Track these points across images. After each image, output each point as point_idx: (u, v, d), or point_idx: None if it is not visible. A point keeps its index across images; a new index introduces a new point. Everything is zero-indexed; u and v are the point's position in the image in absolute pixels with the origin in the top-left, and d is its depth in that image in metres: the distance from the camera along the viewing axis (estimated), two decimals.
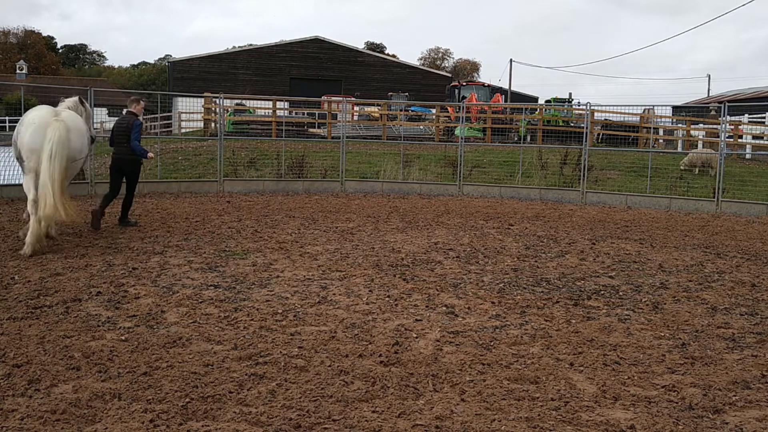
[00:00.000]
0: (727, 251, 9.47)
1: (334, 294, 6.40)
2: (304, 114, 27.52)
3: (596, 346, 5.08)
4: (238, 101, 29.49)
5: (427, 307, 6.06)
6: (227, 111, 23.06)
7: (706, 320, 5.89)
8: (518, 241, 9.72)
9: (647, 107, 23.56)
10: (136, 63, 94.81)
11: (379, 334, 5.22)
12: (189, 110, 27.82)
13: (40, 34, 79.84)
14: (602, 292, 6.83)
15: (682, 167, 18.95)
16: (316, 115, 26.28)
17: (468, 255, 8.57)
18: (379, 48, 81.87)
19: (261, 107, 27.53)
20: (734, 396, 4.19)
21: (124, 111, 10.62)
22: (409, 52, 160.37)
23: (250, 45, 55.30)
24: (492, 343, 5.08)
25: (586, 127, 17.01)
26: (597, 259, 8.55)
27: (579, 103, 29.12)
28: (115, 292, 6.19)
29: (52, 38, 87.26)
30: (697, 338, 5.37)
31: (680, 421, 3.81)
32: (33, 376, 4.17)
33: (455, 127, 22.67)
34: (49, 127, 7.83)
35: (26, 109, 9.10)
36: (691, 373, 4.58)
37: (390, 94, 38.01)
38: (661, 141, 24.53)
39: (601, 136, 23.94)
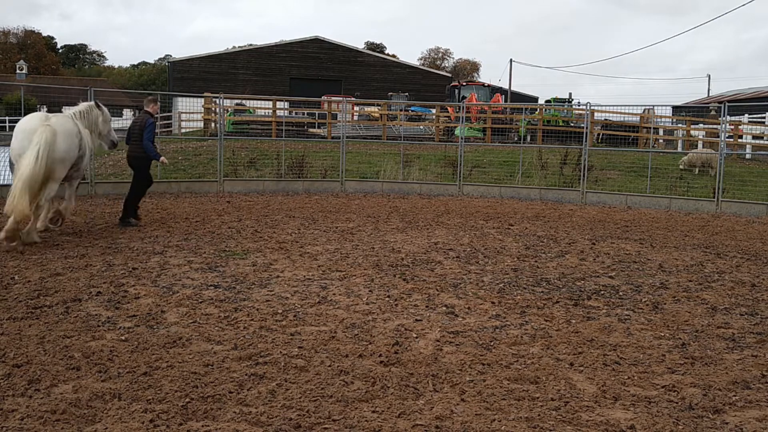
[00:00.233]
0: (727, 251, 9.47)
1: (334, 294, 6.40)
2: (304, 114, 27.51)
3: (596, 346, 5.08)
4: (238, 101, 29.49)
5: (427, 307, 6.06)
6: (227, 111, 23.06)
7: (706, 320, 5.89)
8: (518, 241, 9.72)
9: (647, 107, 23.56)
10: (136, 63, 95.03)
11: (379, 334, 5.22)
12: (189, 110, 27.82)
13: (40, 34, 79.96)
14: (602, 292, 6.83)
15: (681, 167, 18.95)
16: (316, 115, 26.28)
17: (468, 255, 8.57)
18: (379, 48, 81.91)
19: (261, 107, 27.52)
20: (734, 396, 4.19)
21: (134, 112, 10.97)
22: (409, 52, 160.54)
23: (250, 45, 55.31)
24: (492, 343, 5.08)
25: (586, 127, 17.01)
26: (597, 259, 8.55)
27: (579, 103, 29.14)
28: (115, 292, 6.19)
29: (52, 38, 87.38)
30: (697, 338, 5.37)
31: (680, 421, 3.81)
32: (33, 376, 4.17)
33: (455, 127, 22.68)
34: (35, 132, 8.17)
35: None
36: (691, 373, 4.58)
37: (390, 94, 38.01)
38: (661, 141, 24.53)
39: (601, 136, 23.94)
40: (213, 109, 22.27)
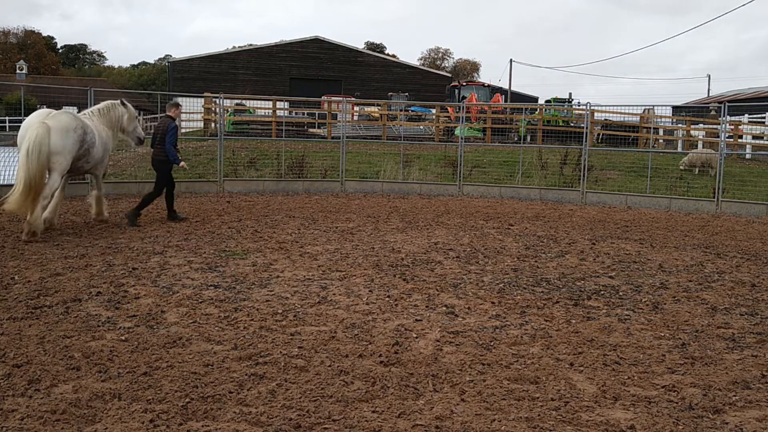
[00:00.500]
0: (727, 251, 9.47)
1: (334, 294, 6.40)
2: (304, 114, 27.51)
3: (596, 346, 5.08)
4: (238, 101, 29.48)
5: (427, 307, 6.06)
6: (227, 111, 23.06)
7: (706, 320, 5.89)
8: (518, 241, 9.72)
9: (647, 107, 23.55)
10: (136, 63, 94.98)
11: (379, 334, 5.22)
12: (189, 110, 27.79)
13: (40, 34, 79.93)
14: (602, 292, 6.83)
15: (681, 167, 18.95)
16: (316, 115, 26.27)
17: (468, 255, 8.57)
18: (379, 48, 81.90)
19: (261, 107, 27.51)
20: (734, 396, 4.19)
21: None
22: (409, 52, 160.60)
23: (250, 45, 55.32)
24: (492, 343, 5.08)
25: (586, 127, 17.01)
26: (597, 259, 8.55)
27: (579, 103, 29.15)
28: (115, 292, 6.19)
29: (52, 38, 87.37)
30: (697, 338, 5.37)
31: (680, 421, 3.81)
32: (33, 376, 4.17)
33: (455, 127, 22.67)
34: (29, 129, 8.77)
35: (26, 109, 9.81)
36: (691, 373, 4.58)
37: (390, 94, 38.03)
38: (661, 141, 24.53)
39: (601, 136, 23.94)
40: (213, 109, 22.27)
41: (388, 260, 8.06)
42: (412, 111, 29.57)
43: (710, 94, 53.89)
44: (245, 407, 3.82)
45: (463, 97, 29.22)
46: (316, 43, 47.63)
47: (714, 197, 14.72)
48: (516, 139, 24.40)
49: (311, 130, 25.19)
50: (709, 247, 9.75)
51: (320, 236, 9.64)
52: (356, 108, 28.28)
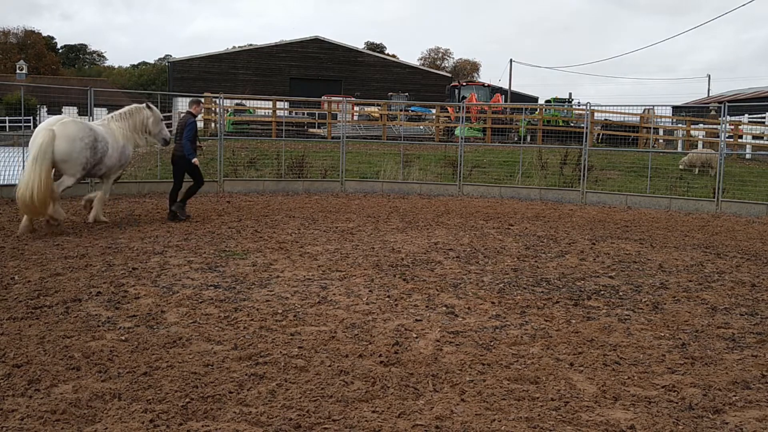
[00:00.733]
0: (727, 251, 9.47)
1: (334, 294, 6.40)
2: (304, 114, 27.51)
3: (596, 346, 5.08)
4: (238, 101, 29.48)
5: (427, 307, 6.05)
6: (227, 111, 23.06)
7: (706, 320, 5.89)
8: (518, 241, 9.72)
9: (647, 107, 23.55)
10: (136, 63, 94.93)
11: (379, 334, 5.22)
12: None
13: (40, 34, 79.92)
14: (602, 292, 6.83)
15: (681, 167, 18.95)
16: (316, 115, 26.27)
17: (468, 255, 8.57)
18: (379, 48, 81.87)
19: (261, 107, 27.51)
20: (734, 396, 4.19)
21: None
22: (409, 52, 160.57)
23: (250, 45, 55.31)
24: (492, 343, 5.08)
25: (586, 127, 17.01)
26: (597, 259, 8.55)
27: (579, 103, 29.15)
28: (115, 292, 6.19)
29: (52, 38, 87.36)
30: (697, 338, 5.37)
31: (680, 421, 3.81)
32: (33, 376, 4.17)
33: (455, 127, 22.68)
34: (38, 135, 9.10)
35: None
36: (691, 373, 4.58)
37: (390, 94, 38.03)
38: (661, 141, 24.53)
39: (601, 136, 23.94)
40: (213, 109, 22.27)
41: (388, 260, 8.06)
42: (412, 111, 29.57)
43: (710, 94, 53.90)
44: (245, 407, 3.82)
45: (463, 97, 29.22)
46: (316, 43, 47.64)
47: (714, 197, 14.72)
48: (516, 139, 24.41)
49: (311, 130, 25.19)
50: (709, 247, 9.75)
51: (320, 236, 9.64)
52: (356, 108, 28.28)
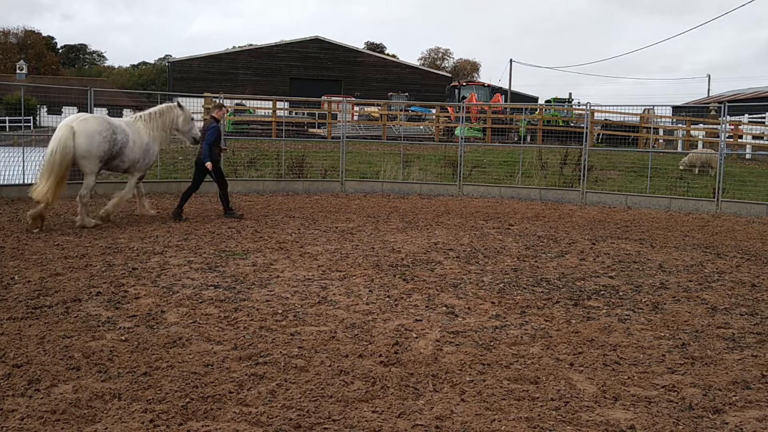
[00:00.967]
0: (727, 251, 9.47)
1: (334, 294, 6.40)
2: (304, 114, 27.51)
3: (596, 346, 5.08)
4: (238, 101, 29.48)
5: (427, 307, 6.05)
6: (227, 111, 23.05)
7: (706, 320, 5.89)
8: (518, 241, 9.72)
9: (647, 107, 23.55)
10: (136, 63, 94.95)
11: (379, 334, 5.22)
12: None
13: (40, 34, 79.98)
14: (602, 292, 6.83)
15: (681, 167, 18.95)
16: (316, 115, 26.27)
17: (468, 255, 8.57)
18: (379, 48, 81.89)
19: (261, 107, 27.51)
20: (734, 396, 4.19)
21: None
22: (409, 52, 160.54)
23: (250, 45, 55.26)
24: (492, 343, 5.08)
25: (586, 127, 17.00)
26: (597, 259, 8.55)
27: (579, 103, 29.15)
28: (115, 292, 6.19)
29: (52, 38, 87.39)
30: (697, 338, 5.37)
31: (680, 421, 3.81)
32: (33, 376, 4.17)
33: (455, 127, 22.68)
34: (58, 131, 9.44)
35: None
36: (691, 373, 4.58)
37: (390, 94, 38.03)
38: (661, 141, 24.53)
39: (601, 136, 23.94)
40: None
41: (388, 260, 8.06)
42: (412, 111, 29.57)
43: (710, 94, 53.90)
44: (245, 407, 3.82)
45: (463, 97, 29.23)
46: (316, 43, 47.61)
47: (714, 197, 14.72)
48: (516, 139, 24.41)
49: (311, 130, 25.19)
50: (709, 247, 9.75)
51: (320, 236, 9.64)
52: (356, 108, 28.28)
